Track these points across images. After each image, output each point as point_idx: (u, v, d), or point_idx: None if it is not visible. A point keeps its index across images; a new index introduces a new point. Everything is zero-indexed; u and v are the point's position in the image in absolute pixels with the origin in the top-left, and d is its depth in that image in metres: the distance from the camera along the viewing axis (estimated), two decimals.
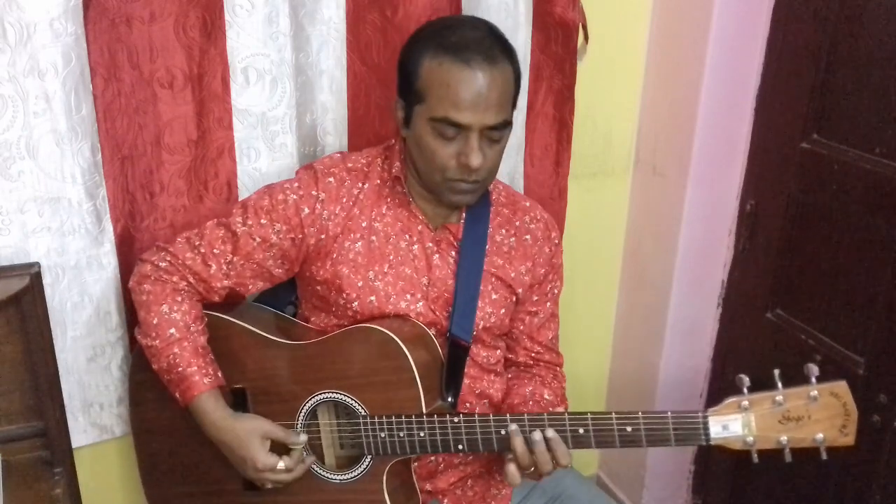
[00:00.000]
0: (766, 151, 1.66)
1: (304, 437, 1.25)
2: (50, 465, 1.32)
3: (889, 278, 1.41)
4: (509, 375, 1.42)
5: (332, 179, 1.29)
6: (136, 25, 1.30)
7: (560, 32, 1.59)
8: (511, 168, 1.65)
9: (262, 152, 1.45)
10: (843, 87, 1.48)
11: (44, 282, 1.29)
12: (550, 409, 1.34)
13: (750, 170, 1.71)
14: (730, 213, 1.76)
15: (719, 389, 1.88)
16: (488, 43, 1.20)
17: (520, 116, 1.63)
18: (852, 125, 1.47)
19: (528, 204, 1.41)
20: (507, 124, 1.22)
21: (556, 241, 1.41)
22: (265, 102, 1.41)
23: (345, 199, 1.29)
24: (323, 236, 1.28)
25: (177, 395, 1.25)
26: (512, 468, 1.18)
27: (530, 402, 1.35)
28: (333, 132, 1.50)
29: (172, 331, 1.25)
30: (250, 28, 1.36)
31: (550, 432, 1.16)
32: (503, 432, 1.19)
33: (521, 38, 1.56)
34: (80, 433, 1.46)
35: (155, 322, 1.25)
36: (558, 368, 1.45)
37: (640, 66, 1.78)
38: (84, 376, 1.43)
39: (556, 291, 1.43)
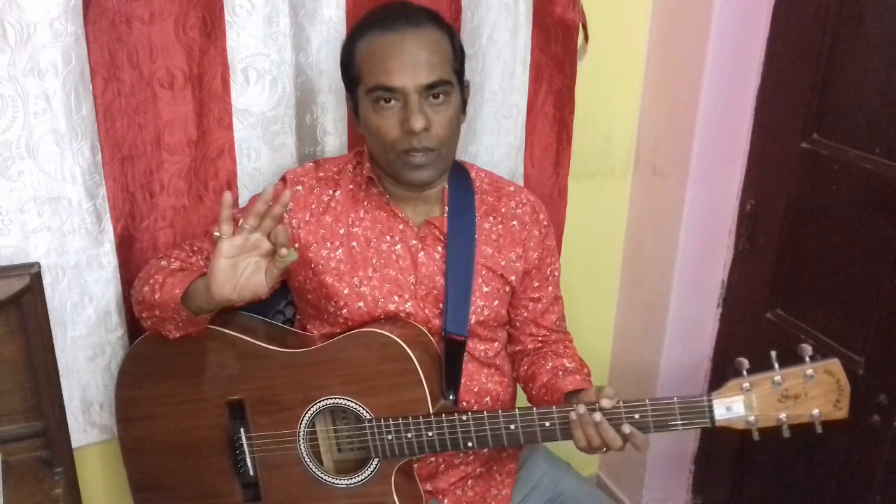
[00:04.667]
0: (766, 151, 1.66)
1: (227, 228, 1.10)
2: (50, 465, 1.32)
3: (889, 278, 1.41)
4: (525, 367, 1.42)
5: (300, 188, 1.30)
6: (136, 25, 1.30)
7: (560, 32, 1.59)
8: (511, 168, 1.65)
9: (262, 152, 1.45)
10: (843, 87, 1.48)
11: (44, 282, 1.29)
12: (577, 373, 1.34)
13: (750, 170, 1.71)
14: (730, 213, 1.76)
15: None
16: (412, 10, 1.23)
17: (520, 117, 1.63)
18: (852, 125, 1.47)
19: (512, 189, 1.40)
20: (444, 83, 1.21)
21: (546, 223, 1.40)
22: (265, 102, 1.41)
23: (314, 206, 1.30)
24: (296, 245, 1.29)
25: (176, 291, 1.19)
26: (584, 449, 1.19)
27: (560, 373, 1.34)
28: (333, 132, 1.50)
29: (174, 266, 1.28)
30: (250, 28, 1.36)
31: (627, 428, 1.15)
32: (512, 427, 1.19)
33: (521, 38, 1.57)
34: (80, 433, 1.46)
35: (153, 271, 1.28)
36: (567, 342, 1.45)
37: (640, 66, 1.78)
38: (84, 376, 1.43)
39: (556, 274, 1.42)
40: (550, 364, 1.38)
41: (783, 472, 1.71)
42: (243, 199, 1.44)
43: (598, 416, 1.15)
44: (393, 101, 1.19)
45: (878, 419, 1.44)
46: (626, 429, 1.14)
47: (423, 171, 1.23)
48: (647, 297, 1.89)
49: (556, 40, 1.59)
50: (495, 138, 1.63)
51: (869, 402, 1.45)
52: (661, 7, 1.71)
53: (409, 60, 1.18)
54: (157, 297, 1.23)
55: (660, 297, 1.83)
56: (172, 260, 1.32)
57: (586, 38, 1.63)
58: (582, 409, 1.16)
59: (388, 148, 1.22)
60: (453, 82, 1.23)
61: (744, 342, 1.79)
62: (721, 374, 1.87)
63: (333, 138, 1.51)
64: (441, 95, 1.21)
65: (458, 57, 1.26)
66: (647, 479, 1.99)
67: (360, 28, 1.25)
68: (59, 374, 1.33)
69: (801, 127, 1.56)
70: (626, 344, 2.00)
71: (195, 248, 1.34)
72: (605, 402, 1.15)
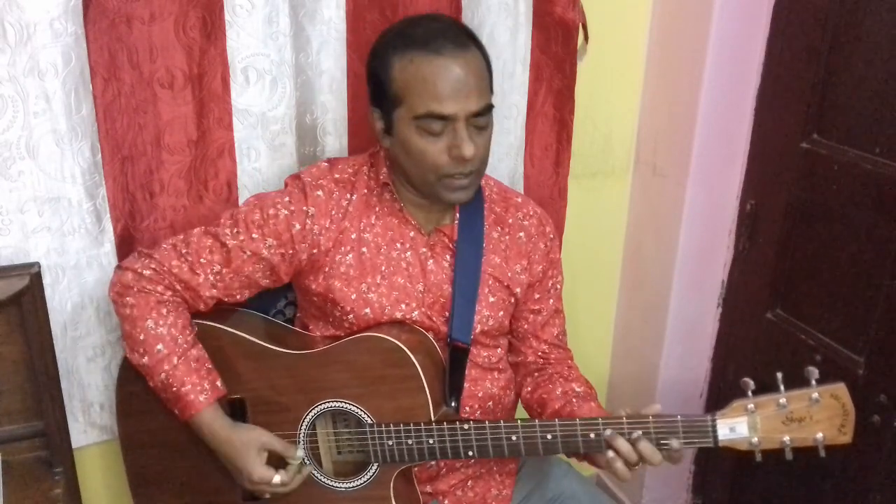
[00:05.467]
0: (766, 151, 1.66)
1: (301, 453, 1.24)
2: (50, 465, 1.32)
3: (889, 278, 1.41)
4: (529, 388, 1.41)
5: (320, 193, 1.27)
6: (136, 25, 1.30)
7: (560, 32, 1.59)
8: (511, 168, 1.65)
9: (262, 152, 1.45)
10: (843, 87, 1.48)
11: (44, 282, 1.29)
12: (591, 399, 1.34)
13: (750, 170, 1.71)
14: (730, 213, 1.76)
15: (719, 390, 1.88)
16: (454, 30, 1.21)
17: (520, 117, 1.63)
18: (852, 125, 1.47)
19: (519, 200, 1.40)
20: (489, 108, 1.21)
21: (552, 236, 1.40)
22: (265, 102, 1.41)
23: (334, 212, 1.28)
24: (315, 251, 1.27)
25: (175, 412, 1.24)
26: (620, 466, 1.16)
27: (574, 400, 1.33)
28: (333, 132, 1.50)
29: (160, 346, 1.22)
30: (250, 28, 1.36)
31: (676, 442, 1.14)
32: (514, 438, 1.19)
33: (521, 38, 1.57)
34: (80, 433, 1.46)
35: (141, 338, 1.22)
36: (569, 362, 1.44)
37: (640, 66, 1.78)
38: (84, 376, 1.44)
39: (558, 287, 1.42)
40: (560, 389, 1.36)
41: (783, 472, 1.71)
42: (243, 199, 1.44)
43: (637, 433, 1.14)
44: (440, 127, 1.18)
45: (878, 419, 1.44)
46: (676, 444, 1.14)
47: (465, 192, 1.23)
48: (647, 297, 1.89)
49: (556, 40, 1.59)
50: (495, 138, 1.61)
51: (869, 402, 1.45)
52: (661, 7, 1.71)
53: (461, 88, 1.16)
54: (158, 383, 1.23)
55: (660, 297, 1.83)
56: (171, 298, 1.25)
57: (586, 38, 1.63)
58: (620, 442, 1.15)
59: (431, 171, 1.20)
60: (493, 104, 1.23)
61: (744, 342, 1.79)
62: (721, 374, 1.87)
63: (333, 138, 1.51)
64: (483, 119, 1.20)
65: (491, 74, 1.25)
66: (648, 479, 1.99)
67: (397, 44, 1.19)
68: (59, 374, 1.33)
69: (801, 127, 1.56)
70: (626, 344, 2.00)
71: (202, 261, 1.25)
72: (656, 407, 1.16)
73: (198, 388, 1.22)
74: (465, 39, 1.19)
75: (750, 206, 1.71)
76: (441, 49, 1.16)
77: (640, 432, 1.14)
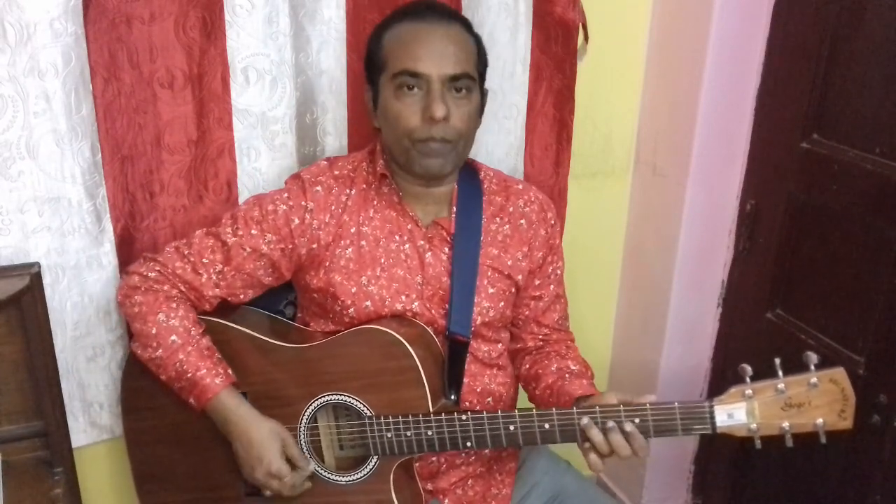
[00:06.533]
0: (766, 151, 1.66)
1: (312, 466, 1.27)
2: (50, 465, 1.32)
3: (889, 278, 1.41)
4: (527, 366, 1.42)
5: (319, 188, 1.29)
6: (136, 25, 1.30)
7: (560, 32, 1.59)
8: (511, 168, 1.65)
9: (262, 152, 1.45)
10: (843, 87, 1.48)
11: (44, 282, 1.29)
12: (584, 378, 1.34)
13: (750, 170, 1.71)
14: (730, 213, 1.76)
15: (719, 389, 1.86)
16: (446, 10, 1.27)
17: (520, 117, 1.63)
18: (852, 125, 1.47)
19: (520, 187, 1.40)
20: (468, 77, 1.22)
21: (552, 222, 1.40)
22: (265, 102, 1.41)
23: (333, 207, 1.29)
24: (314, 246, 1.28)
25: (191, 400, 1.25)
26: (593, 457, 1.17)
27: (567, 376, 1.34)
28: (333, 132, 1.50)
29: (174, 338, 1.24)
30: (250, 28, 1.36)
31: (629, 426, 1.14)
32: (511, 428, 1.19)
33: (521, 38, 1.57)
34: (80, 433, 1.46)
35: (154, 332, 1.24)
36: (569, 342, 1.44)
37: (640, 66, 1.78)
38: (84, 376, 1.44)
39: (558, 272, 1.42)
40: (555, 365, 1.37)
41: (783, 472, 1.71)
42: (243, 199, 1.44)
43: (611, 423, 1.14)
44: (416, 89, 1.20)
45: (878, 419, 1.44)
46: (628, 426, 1.14)
47: (438, 159, 1.23)
48: (647, 297, 1.89)
49: (556, 40, 1.59)
50: (495, 138, 1.63)
51: (869, 402, 1.45)
52: (661, 7, 1.71)
53: (437, 49, 1.20)
54: (172, 373, 1.24)
55: (660, 297, 1.83)
56: (178, 294, 1.27)
57: (586, 38, 1.63)
58: (586, 419, 1.15)
59: (406, 135, 1.22)
60: (476, 79, 1.25)
61: (744, 342, 1.79)
62: (721, 374, 1.87)
63: (333, 138, 1.51)
64: (463, 90, 1.22)
65: (482, 61, 1.28)
66: (647, 479, 1.99)
67: (388, 21, 1.27)
68: (59, 374, 1.33)
69: (801, 127, 1.56)
70: (626, 344, 2.00)
71: (204, 261, 1.28)
72: (651, 397, 1.16)
73: (213, 372, 1.24)
74: (453, 17, 1.25)
75: (750, 206, 1.71)
76: (425, 17, 1.23)
77: (612, 423, 1.14)
